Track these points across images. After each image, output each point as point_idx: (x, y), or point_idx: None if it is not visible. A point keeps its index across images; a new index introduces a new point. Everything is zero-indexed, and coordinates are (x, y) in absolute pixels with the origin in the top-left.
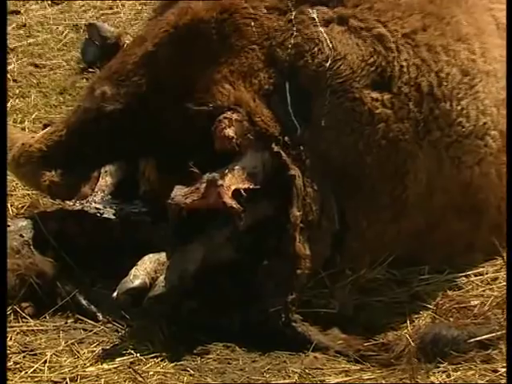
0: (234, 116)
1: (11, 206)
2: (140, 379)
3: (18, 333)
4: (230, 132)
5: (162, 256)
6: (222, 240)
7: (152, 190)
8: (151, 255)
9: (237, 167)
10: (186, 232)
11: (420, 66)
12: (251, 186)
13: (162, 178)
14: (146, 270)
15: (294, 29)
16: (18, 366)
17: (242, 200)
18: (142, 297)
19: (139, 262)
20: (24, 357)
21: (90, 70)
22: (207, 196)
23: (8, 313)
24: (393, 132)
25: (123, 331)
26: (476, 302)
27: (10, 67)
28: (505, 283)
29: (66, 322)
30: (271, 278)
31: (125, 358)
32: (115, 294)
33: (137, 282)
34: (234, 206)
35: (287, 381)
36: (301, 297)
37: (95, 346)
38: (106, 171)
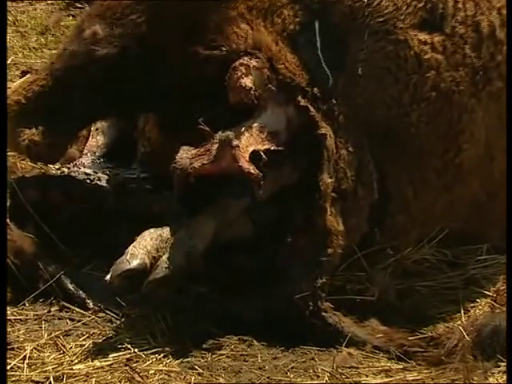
0: (253, 62)
1: None
2: (138, 379)
3: None
4: (247, 82)
5: (166, 231)
6: (238, 212)
7: (153, 152)
8: (152, 230)
9: (255, 125)
10: (195, 202)
11: (479, 1)
12: (273, 148)
13: (165, 137)
14: (145, 248)
15: None
16: None
17: (262, 164)
18: (142, 280)
19: (138, 239)
20: None
21: (78, 5)
22: (220, 159)
23: None
24: (445, 82)
25: (118, 322)
26: None
27: None
28: None
29: (50, 311)
30: (297, 258)
31: (120, 353)
32: (109, 276)
33: (135, 263)
34: (252, 171)
35: (315, 382)
36: (332, 281)
37: (84, 340)
38: (97, 129)
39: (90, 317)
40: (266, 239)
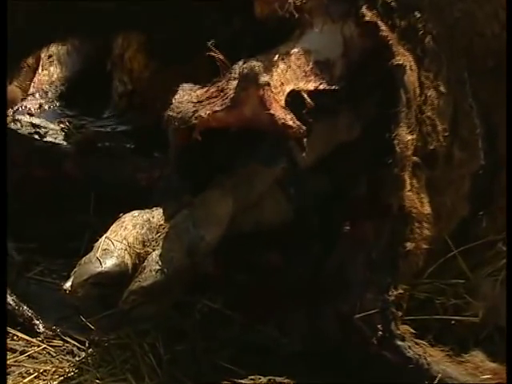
0: None
1: None
2: None
3: None
4: None
5: (156, 215)
6: (268, 185)
7: (137, 92)
8: (136, 213)
9: (295, 50)
10: (201, 171)
11: None
12: (322, 87)
13: (156, 70)
14: (125, 240)
15: None
16: None
17: (306, 112)
18: (120, 290)
19: (113, 227)
20: None
21: None
22: (240, 104)
23: None
24: None
25: (84, 354)
26: None
27: None
28: None
29: None
30: (358, 256)
31: None
32: (69, 284)
33: (109, 263)
34: (290, 122)
35: None
36: (413, 292)
37: (32, 380)
38: (50, 56)
39: (39, 346)
40: (309, 227)
